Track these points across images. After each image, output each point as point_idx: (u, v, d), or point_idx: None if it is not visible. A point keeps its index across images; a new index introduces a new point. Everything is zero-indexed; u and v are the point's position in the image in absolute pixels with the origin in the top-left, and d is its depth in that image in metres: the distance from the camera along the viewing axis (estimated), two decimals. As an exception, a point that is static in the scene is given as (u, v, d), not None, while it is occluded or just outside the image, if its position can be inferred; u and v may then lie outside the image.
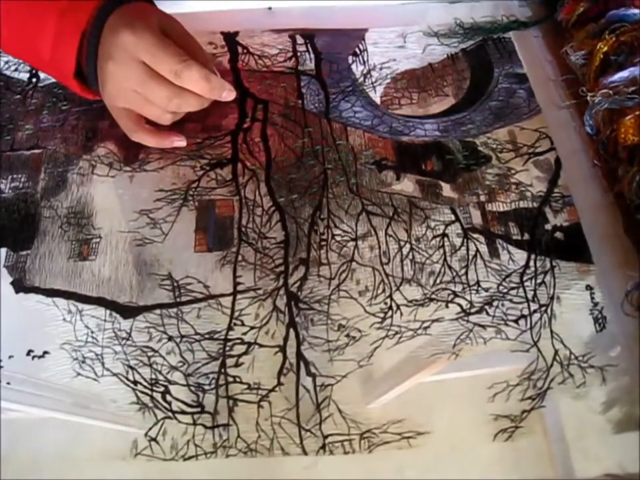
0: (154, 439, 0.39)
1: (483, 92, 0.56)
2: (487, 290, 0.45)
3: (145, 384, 0.41)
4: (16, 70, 0.57)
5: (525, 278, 0.45)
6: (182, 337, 0.43)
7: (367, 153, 0.52)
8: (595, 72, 0.50)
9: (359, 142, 0.53)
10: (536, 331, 0.43)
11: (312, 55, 0.58)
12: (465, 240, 0.47)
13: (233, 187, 0.50)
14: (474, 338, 0.43)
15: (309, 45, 0.59)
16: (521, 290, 0.45)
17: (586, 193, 0.49)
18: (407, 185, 0.50)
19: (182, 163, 0.51)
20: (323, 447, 0.39)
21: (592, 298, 0.44)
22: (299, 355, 0.42)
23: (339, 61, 0.58)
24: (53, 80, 0.55)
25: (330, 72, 0.57)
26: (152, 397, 0.41)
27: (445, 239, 0.47)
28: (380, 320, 0.44)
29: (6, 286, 0.45)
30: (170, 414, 0.40)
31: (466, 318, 0.44)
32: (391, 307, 0.44)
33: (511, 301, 0.44)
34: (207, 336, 0.43)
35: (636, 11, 0.51)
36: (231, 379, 0.41)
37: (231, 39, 0.59)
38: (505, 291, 0.45)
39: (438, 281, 0.45)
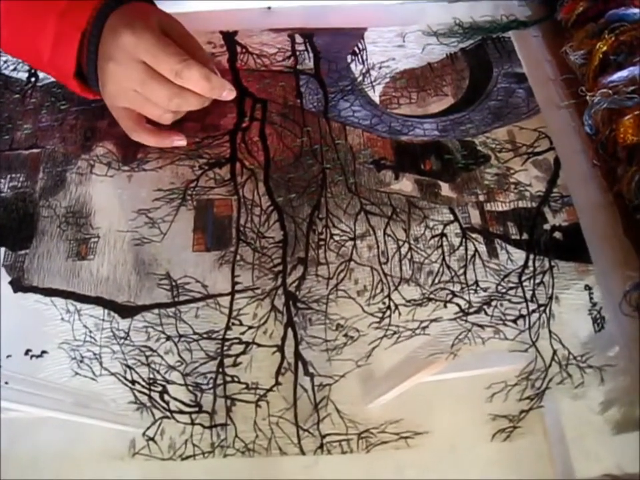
0: (152, 439, 0.39)
1: (482, 91, 0.56)
2: (485, 290, 0.45)
3: (143, 383, 0.41)
4: (15, 69, 0.57)
5: (523, 278, 0.45)
6: (180, 336, 0.43)
7: (366, 153, 0.52)
8: (595, 71, 0.50)
9: (357, 141, 0.52)
10: (534, 331, 0.43)
11: (311, 54, 0.58)
12: (464, 240, 0.47)
13: (232, 186, 0.50)
14: (472, 338, 0.43)
15: (307, 44, 0.59)
16: (519, 290, 0.45)
17: (585, 192, 0.49)
18: (406, 185, 0.50)
19: (180, 163, 0.51)
20: (321, 446, 0.39)
21: (591, 298, 0.44)
22: (297, 355, 0.42)
23: (337, 60, 0.58)
24: (52, 79, 0.55)
25: (329, 71, 0.57)
26: (150, 397, 0.41)
27: (444, 238, 0.47)
28: (378, 320, 0.43)
29: (4, 285, 0.45)
30: (168, 413, 0.40)
31: (464, 318, 0.43)
32: (389, 307, 0.44)
33: (509, 300, 0.44)
34: (205, 335, 0.43)
35: (635, 10, 0.51)
36: (228, 379, 0.41)
37: (229, 38, 0.59)
38: (504, 290, 0.45)
39: (436, 281, 0.45)
